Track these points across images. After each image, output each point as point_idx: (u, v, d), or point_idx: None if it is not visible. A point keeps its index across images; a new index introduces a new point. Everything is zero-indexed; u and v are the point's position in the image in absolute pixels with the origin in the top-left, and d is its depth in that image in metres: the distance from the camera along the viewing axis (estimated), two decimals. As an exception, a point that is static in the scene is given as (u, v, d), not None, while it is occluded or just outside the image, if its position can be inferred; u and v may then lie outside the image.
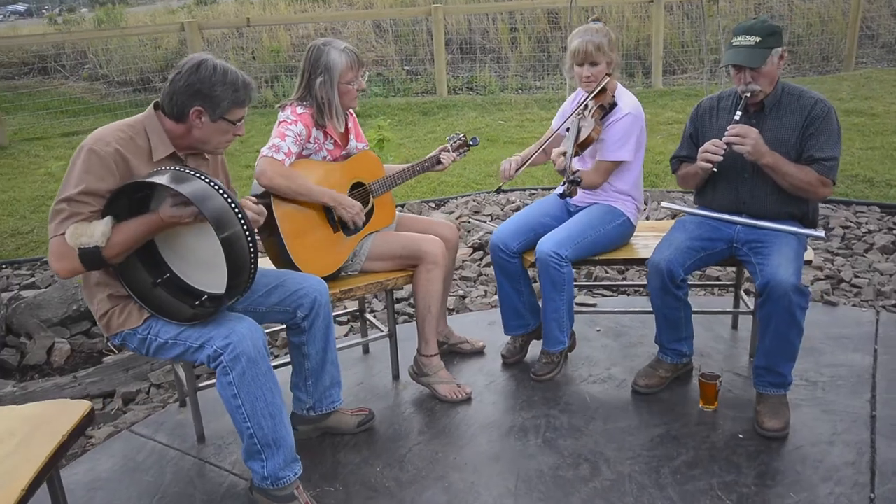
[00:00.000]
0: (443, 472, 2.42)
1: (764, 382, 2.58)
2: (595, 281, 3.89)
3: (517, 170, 2.88)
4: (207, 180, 1.91)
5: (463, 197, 5.36)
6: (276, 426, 2.07)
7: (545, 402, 2.80)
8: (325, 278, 2.68)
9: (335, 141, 2.74)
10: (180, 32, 8.65)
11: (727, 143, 2.52)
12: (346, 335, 3.48)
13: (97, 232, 1.88)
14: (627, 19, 10.45)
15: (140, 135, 2.08)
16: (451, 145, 3.03)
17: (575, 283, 2.93)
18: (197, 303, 2.07)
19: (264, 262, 2.66)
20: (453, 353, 3.19)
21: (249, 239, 1.92)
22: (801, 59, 10.18)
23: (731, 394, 2.78)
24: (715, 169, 2.58)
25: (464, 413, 2.76)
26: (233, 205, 1.90)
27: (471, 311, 3.67)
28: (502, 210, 5.01)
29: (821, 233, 2.59)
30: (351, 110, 2.87)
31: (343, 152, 2.79)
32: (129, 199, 2.00)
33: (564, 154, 2.63)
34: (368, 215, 2.77)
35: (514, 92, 9.52)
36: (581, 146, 2.70)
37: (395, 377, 3.01)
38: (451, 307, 3.72)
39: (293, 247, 2.53)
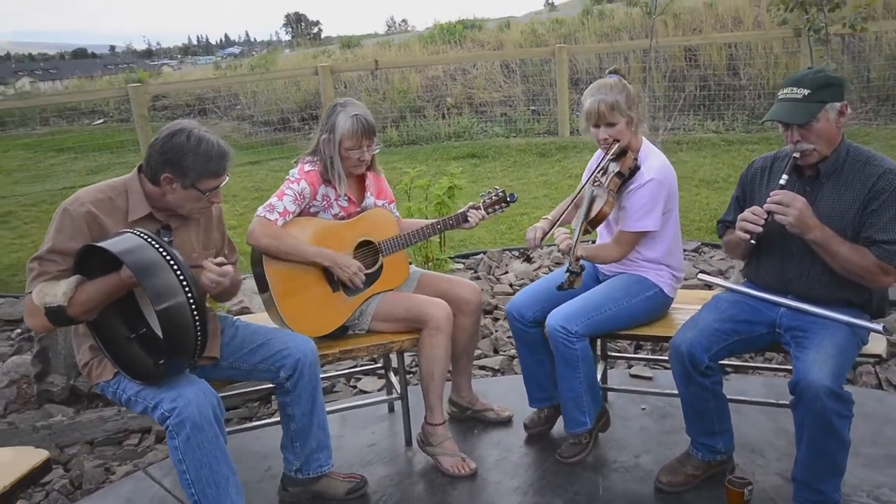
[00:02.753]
0: (412, 558, 2.25)
1: (802, 498, 2.17)
2: (656, 353, 3.52)
3: (544, 236, 2.67)
4: (160, 249, 1.92)
5: (549, 247, 5.13)
6: (220, 496, 2.03)
7: (552, 488, 2.54)
8: (330, 336, 2.65)
9: (349, 198, 2.70)
10: (314, 76, 9.16)
11: (768, 212, 2.17)
12: (379, 390, 3.40)
13: (59, 292, 1.95)
14: (776, 55, 9.66)
15: (121, 195, 2.15)
16: (485, 202, 2.88)
17: (631, 356, 2.64)
18: (161, 361, 2.09)
19: (261, 319, 2.67)
20: (477, 420, 3.01)
21: (195, 308, 1.90)
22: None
23: (770, 503, 2.37)
24: (753, 241, 2.23)
25: (461, 490, 2.57)
26: (180, 275, 1.89)
27: (516, 373, 3.45)
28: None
29: (878, 326, 2.14)
30: (375, 172, 2.83)
31: (358, 209, 2.74)
32: (101, 259, 2.06)
33: (572, 231, 2.40)
34: (377, 274, 2.69)
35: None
36: (592, 223, 2.44)
37: (408, 442, 2.88)
38: (498, 367, 3.53)
39: (283, 305, 2.50)
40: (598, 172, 2.54)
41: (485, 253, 5.08)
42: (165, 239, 2.20)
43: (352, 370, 3.49)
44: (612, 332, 2.60)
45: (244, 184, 8.03)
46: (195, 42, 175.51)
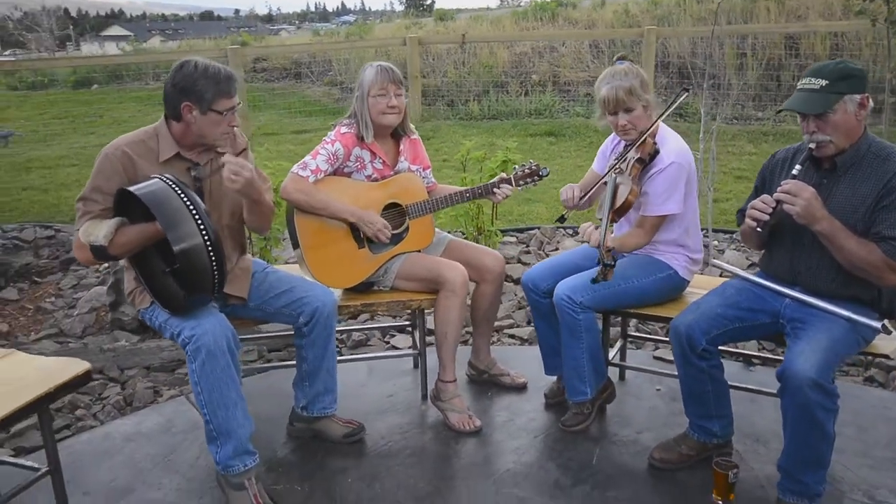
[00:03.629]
0: (402, 498, 2.42)
1: (784, 487, 2.19)
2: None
3: (581, 198, 2.72)
4: (181, 196, 2.12)
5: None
6: (228, 417, 2.25)
7: (548, 453, 2.64)
8: (356, 290, 2.83)
9: (384, 161, 2.85)
10: (402, 46, 9.34)
11: (777, 201, 2.17)
12: (409, 347, 3.57)
13: (101, 233, 2.19)
14: (887, 46, 9.05)
15: (152, 139, 2.38)
16: (517, 174, 2.96)
17: (660, 338, 2.67)
18: (187, 296, 2.32)
19: (292, 268, 2.88)
20: (493, 383, 3.14)
21: (211, 250, 2.11)
22: None
23: (761, 491, 2.38)
24: (760, 230, 2.23)
25: (461, 445, 2.72)
26: (198, 220, 2.10)
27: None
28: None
29: (877, 324, 2.10)
30: (412, 135, 2.96)
31: (392, 172, 2.89)
32: (140, 202, 2.28)
33: (599, 225, 2.42)
34: (403, 235, 2.84)
35: (727, 121, 8.79)
36: (618, 212, 2.47)
37: (424, 397, 3.04)
38: (527, 338, 3.64)
39: (309, 257, 2.70)
40: (619, 160, 2.57)
41: (538, 228, 5.14)
42: (198, 175, 2.41)
43: (388, 325, 3.69)
44: (620, 309, 2.65)
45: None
46: (313, 10, 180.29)
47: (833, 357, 2.04)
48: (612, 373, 3.11)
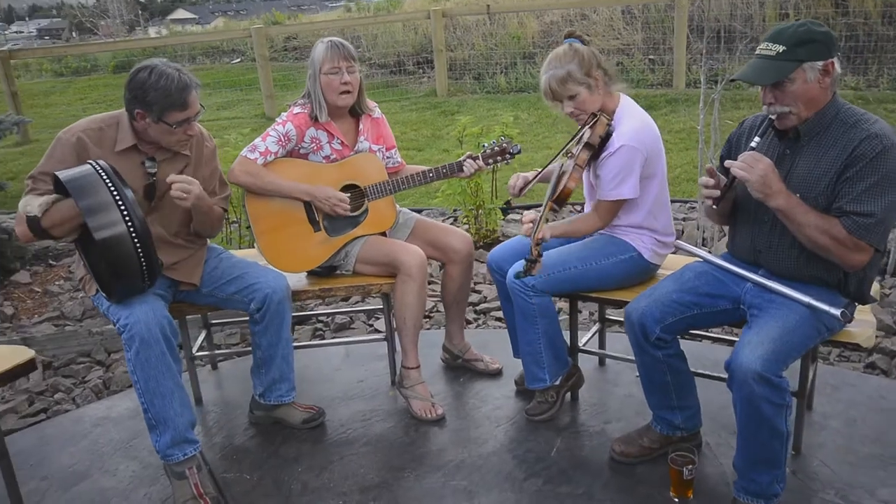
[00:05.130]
0: (347, 489, 2.36)
1: (739, 486, 2.05)
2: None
3: (525, 186, 2.61)
4: (108, 183, 2.08)
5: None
6: (164, 406, 2.22)
7: (507, 444, 2.55)
8: (318, 273, 2.77)
9: (342, 142, 2.76)
10: (426, 20, 9.17)
11: (732, 175, 1.99)
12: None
13: (36, 204, 2.18)
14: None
15: (111, 126, 2.34)
16: (485, 152, 2.84)
17: None
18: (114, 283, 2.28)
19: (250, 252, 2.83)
20: (466, 369, 3.05)
21: (136, 239, 2.07)
22: None
23: (726, 488, 2.23)
24: (715, 206, 2.06)
25: (420, 434, 2.64)
26: (122, 208, 2.06)
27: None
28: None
29: (836, 311, 1.90)
30: (372, 112, 2.87)
31: (351, 153, 2.80)
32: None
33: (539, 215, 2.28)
34: (362, 217, 2.76)
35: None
36: (558, 201, 2.29)
37: (393, 383, 2.98)
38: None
39: (262, 242, 2.65)
40: (573, 142, 2.42)
41: (530, 208, 4.98)
42: (151, 170, 2.39)
43: (374, 308, 3.62)
44: (578, 293, 2.51)
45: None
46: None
47: (784, 348, 1.87)
48: (591, 360, 2.98)
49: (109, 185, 2.08)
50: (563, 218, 2.62)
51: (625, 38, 9.73)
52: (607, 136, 2.34)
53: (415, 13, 9.97)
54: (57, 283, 4.57)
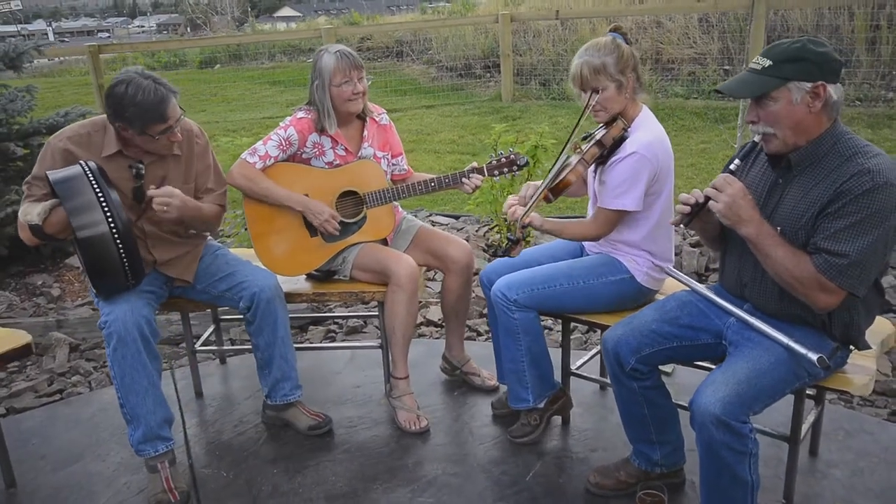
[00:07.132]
0: (314, 495, 2.36)
1: (704, 535, 1.91)
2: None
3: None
4: (94, 184, 2.15)
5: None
6: (137, 404, 2.28)
7: (485, 464, 2.48)
8: (317, 278, 2.78)
9: (346, 148, 2.76)
10: (494, 24, 9.12)
11: (706, 197, 1.87)
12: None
13: (35, 212, 2.27)
14: None
15: (99, 132, 2.38)
16: (490, 164, 2.78)
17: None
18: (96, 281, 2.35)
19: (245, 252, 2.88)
20: (464, 381, 3.00)
21: (118, 239, 2.14)
22: None
23: (701, 533, 2.10)
24: (684, 225, 1.93)
25: (400, 446, 2.62)
26: (105, 208, 2.12)
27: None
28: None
29: (813, 356, 1.74)
30: (379, 119, 2.86)
31: (355, 159, 2.80)
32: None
33: (533, 195, 2.24)
34: (360, 224, 2.75)
35: (849, 103, 7.85)
36: (554, 191, 2.24)
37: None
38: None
39: (256, 244, 2.68)
40: (582, 138, 2.33)
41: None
42: (139, 173, 2.43)
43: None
44: (564, 313, 2.41)
45: (408, 126, 8.36)
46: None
47: (750, 391, 1.73)
48: (592, 384, 2.86)
49: (95, 185, 2.15)
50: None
51: (699, 47, 9.37)
52: (621, 140, 2.25)
53: (485, 17, 9.93)
54: (105, 268, 4.80)
